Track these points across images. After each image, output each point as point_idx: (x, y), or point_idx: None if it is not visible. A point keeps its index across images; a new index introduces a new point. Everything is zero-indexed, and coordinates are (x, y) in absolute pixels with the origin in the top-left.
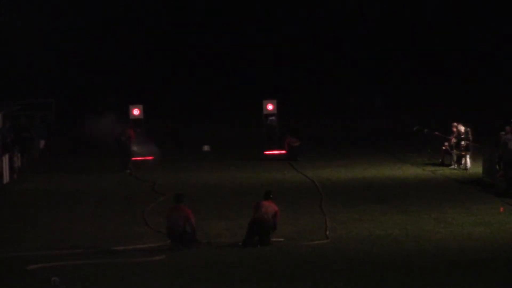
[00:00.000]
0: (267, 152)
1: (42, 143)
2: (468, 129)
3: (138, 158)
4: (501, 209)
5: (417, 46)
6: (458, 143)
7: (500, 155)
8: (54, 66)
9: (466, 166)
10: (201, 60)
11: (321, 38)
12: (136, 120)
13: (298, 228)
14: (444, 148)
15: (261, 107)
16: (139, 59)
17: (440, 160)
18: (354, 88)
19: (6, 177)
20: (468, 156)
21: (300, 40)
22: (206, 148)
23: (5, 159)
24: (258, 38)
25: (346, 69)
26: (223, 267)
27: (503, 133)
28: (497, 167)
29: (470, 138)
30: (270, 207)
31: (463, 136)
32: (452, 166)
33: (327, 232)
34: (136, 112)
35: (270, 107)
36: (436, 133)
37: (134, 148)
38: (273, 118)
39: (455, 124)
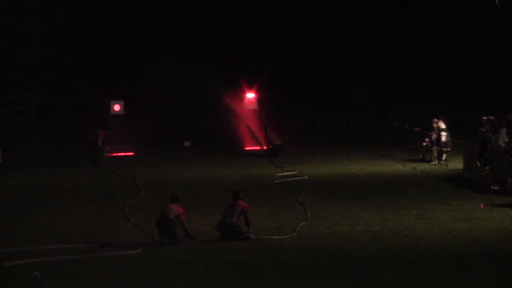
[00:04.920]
0: (248, 148)
1: None
2: (443, 125)
3: (118, 154)
4: (482, 205)
5: (397, 41)
6: (438, 139)
7: (481, 152)
8: (35, 60)
9: (442, 162)
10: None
11: (306, 33)
12: (105, 126)
13: (278, 224)
14: (424, 144)
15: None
16: (122, 54)
17: (421, 156)
18: (337, 83)
19: None
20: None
21: (284, 36)
22: (186, 144)
23: None
24: (239, 34)
25: (329, 64)
26: (200, 261)
27: (482, 129)
28: (477, 164)
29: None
30: (236, 207)
31: (443, 132)
32: (433, 162)
33: (301, 225)
34: (117, 108)
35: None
36: (417, 129)
37: (107, 147)
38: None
39: (436, 120)
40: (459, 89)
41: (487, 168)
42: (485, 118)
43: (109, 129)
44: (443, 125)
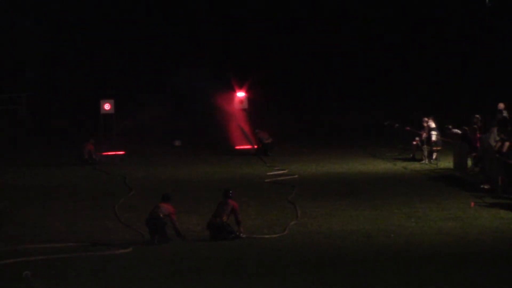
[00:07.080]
0: (238, 147)
1: None
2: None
3: (109, 153)
4: (472, 204)
5: (387, 40)
6: (428, 138)
7: (469, 150)
8: (28, 58)
9: (432, 160)
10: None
11: (290, 29)
12: (93, 136)
13: (268, 223)
14: (415, 143)
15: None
16: (112, 52)
17: (411, 155)
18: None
19: None
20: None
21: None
22: (177, 143)
23: None
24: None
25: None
26: (190, 260)
27: (469, 128)
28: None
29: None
30: (226, 206)
31: (433, 131)
32: (423, 161)
33: (291, 224)
34: (107, 107)
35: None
36: (407, 128)
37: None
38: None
39: (426, 119)
40: (447, 88)
41: (478, 166)
42: (449, 126)
43: (97, 133)
44: (433, 124)
